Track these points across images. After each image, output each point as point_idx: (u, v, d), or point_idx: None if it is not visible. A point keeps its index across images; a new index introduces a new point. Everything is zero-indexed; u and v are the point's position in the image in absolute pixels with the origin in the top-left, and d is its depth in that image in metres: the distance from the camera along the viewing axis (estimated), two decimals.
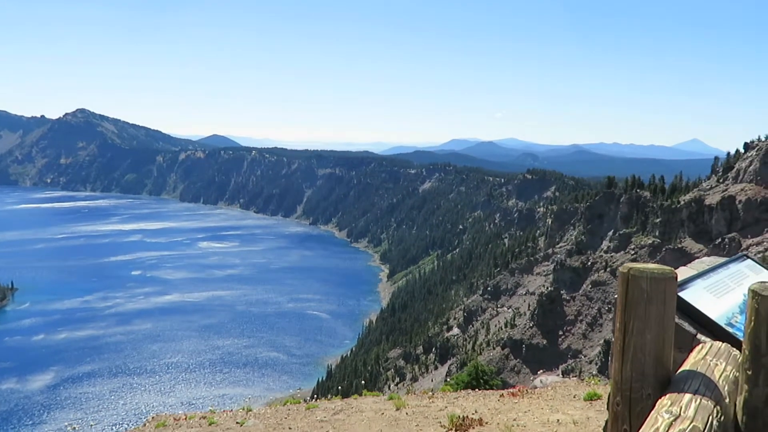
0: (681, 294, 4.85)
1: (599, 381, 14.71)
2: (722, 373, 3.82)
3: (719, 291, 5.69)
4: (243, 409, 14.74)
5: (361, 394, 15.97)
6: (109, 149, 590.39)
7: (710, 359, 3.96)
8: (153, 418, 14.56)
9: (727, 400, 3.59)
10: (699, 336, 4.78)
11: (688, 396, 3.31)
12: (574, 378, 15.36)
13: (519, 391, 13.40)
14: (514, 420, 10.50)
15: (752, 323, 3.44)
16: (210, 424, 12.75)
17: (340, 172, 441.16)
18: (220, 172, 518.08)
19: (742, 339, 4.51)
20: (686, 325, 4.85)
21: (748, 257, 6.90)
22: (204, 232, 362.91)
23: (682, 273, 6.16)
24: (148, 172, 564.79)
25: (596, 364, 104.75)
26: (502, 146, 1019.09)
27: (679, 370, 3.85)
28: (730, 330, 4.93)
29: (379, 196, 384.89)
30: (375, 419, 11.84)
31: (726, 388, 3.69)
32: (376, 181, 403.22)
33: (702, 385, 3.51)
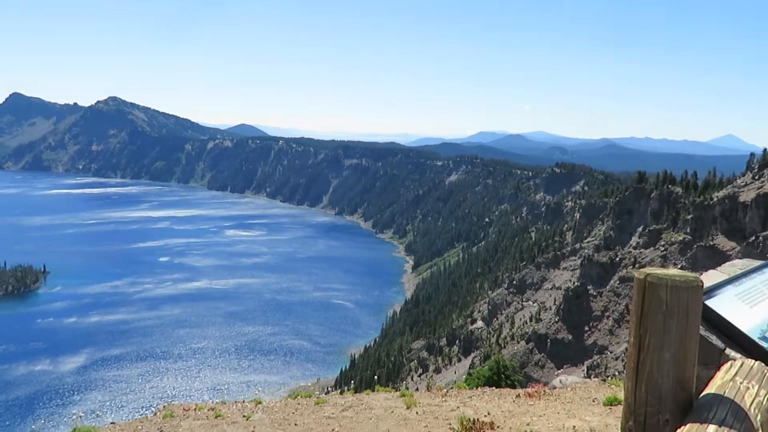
0: (708, 302, 4.27)
1: (621, 383, 14.13)
2: (754, 398, 3.27)
3: (753, 299, 4.96)
4: (253, 401, 14.56)
5: (374, 389, 15.66)
6: (139, 137, 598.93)
7: (740, 381, 3.39)
8: (164, 407, 14.49)
9: None
10: (728, 351, 4.13)
11: (712, 428, 2.80)
12: (596, 379, 14.67)
13: (536, 391, 12.91)
14: (528, 425, 10.02)
15: None
16: (216, 417, 12.58)
17: (367, 163, 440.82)
18: (247, 161, 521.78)
19: None
20: (714, 339, 4.21)
21: None
22: (231, 221, 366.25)
23: (711, 277, 5.58)
24: (177, 160, 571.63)
25: (622, 360, 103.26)
26: (531, 139, 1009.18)
27: (703, 392, 3.37)
28: (765, 345, 4.26)
29: (405, 187, 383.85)
30: (383, 418, 11.50)
31: (759, 417, 3.13)
32: (402, 173, 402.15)
33: (730, 413, 2.98)
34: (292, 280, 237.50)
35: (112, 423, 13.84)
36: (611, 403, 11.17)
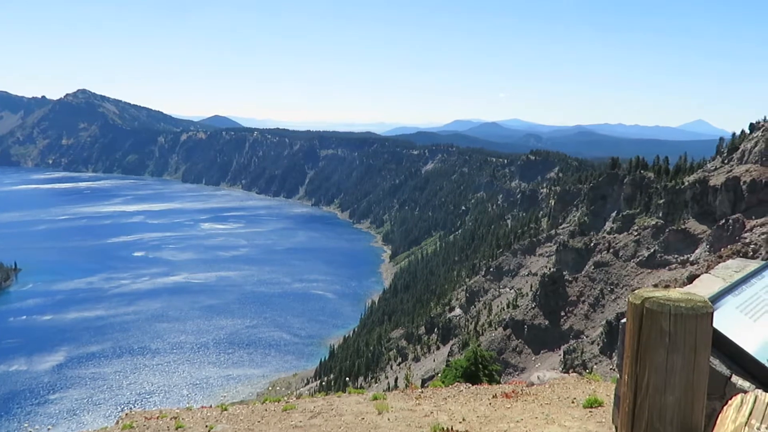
0: None
1: (599, 378, 13.82)
2: None
3: (755, 311, 4.46)
4: (219, 407, 13.96)
5: (345, 390, 15.16)
6: (110, 130, 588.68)
7: (757, 425, 2.58)
8: (126, 415, 13.84)
9: None
10: (734, 379, 3.59)
11: None
12: (574, 374, 14.26)
13: (513, 391, 12.52)
14: None
15: None
16: (177, 428, 11.97)
17: (343, 153, 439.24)
18: (222, 153, 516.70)
19: None
20: (717, 364, 3.64)
21: None
22: (207, 213, 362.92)
23: (706, 283, 5.12)
24: (150, 153, 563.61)
25: (598, 345, 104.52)
26: (506, 127, 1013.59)
27: None
28: None
29: (382, 177, 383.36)
30: (353, 426, 10.97)
31: None
32: (379, 162, 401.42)
33: None
34: (270, 272, 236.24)
35: None
36: (591, 405, 10.79)
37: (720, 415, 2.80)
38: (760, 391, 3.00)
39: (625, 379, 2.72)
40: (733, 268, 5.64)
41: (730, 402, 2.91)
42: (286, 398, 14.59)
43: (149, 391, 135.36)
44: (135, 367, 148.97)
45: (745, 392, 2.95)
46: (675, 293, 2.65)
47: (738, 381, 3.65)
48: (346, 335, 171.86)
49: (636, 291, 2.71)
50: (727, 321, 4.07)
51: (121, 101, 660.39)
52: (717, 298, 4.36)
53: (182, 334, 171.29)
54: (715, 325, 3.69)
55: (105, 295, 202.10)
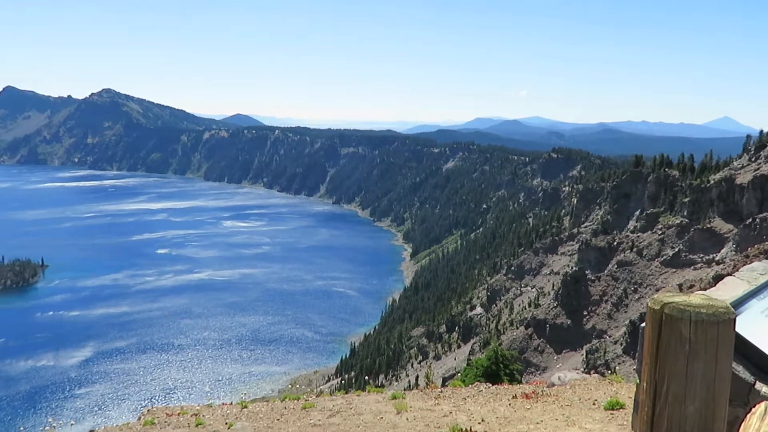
0: None
1: (622, 379, 13.62)
2: None
3: None
4: (239, 404, 14.06)
5: (365, 389, 15.18)
6: (134, 129, 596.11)
7: None
8: (148, 411, 14.01)
9: None
10: (758, 386, 3.52)
11: None
12: (596, 375, 14.06)
13: (534, 392, 12.40)
14: None
15: None
16: (197, 425, 12.08)
17: (363, 151, 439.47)
18: (243, 152, 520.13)
19: None
20: (741, 370, 3.56)
21: None
22: (230, 211, 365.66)
23: (730, 286, 5.00)
24: (173, 152, 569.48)
25: (621, 344, 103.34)
26: (527, 125, 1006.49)
27: None
28: None
29: (402, 175, 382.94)
30: (372, 425, 10.96)
31: None
32: (399, 160, 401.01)
33: None
34: (293, 270, 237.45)
35: (90, 431, 13.34)
36: (612, 407, 10.62)
37: (743, 423, 2.69)
38: None
39: (644, 386, 2.62)
40: (758, 270, 5.50)
41: (753, 410, 2.79)
42: (305, 396, 14.66)
43: (172, 387, 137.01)
44: (159, 363, 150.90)
45: None
46: (696, 298, 2.55)
47: (762, 388, 3.57)
48: (367, 333, 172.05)
49: (656, 296, 2.61)
50: (752, 326, 3.95)
51: (144, 100, 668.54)
52: (741, 301, 4.24)
53: (205, 330, 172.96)
54: (739, 330, 3.62)
55: (130, 291, 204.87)
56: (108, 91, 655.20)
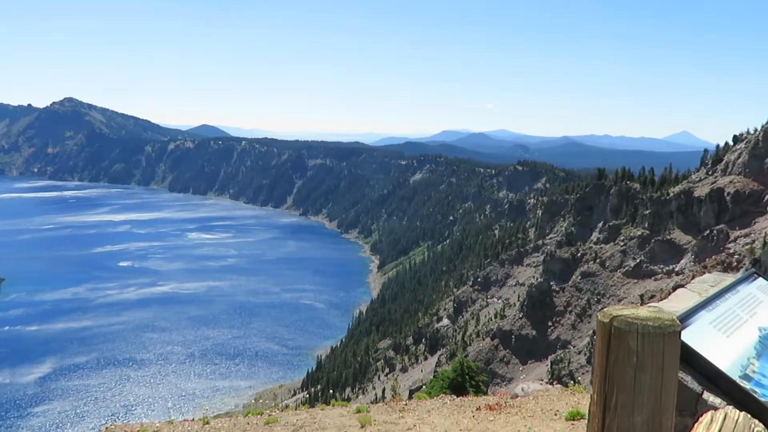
0: (682, 335, 3.60)
1: (584, 389, 13.91)
2: None
3: (729, 326, 4.53)
4: (201, 420, 13.95)
5: (329, 403, 15.19)
6: (97, 139, 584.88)
7: None
8: (107, 429, 13.78)
9: None
10: (705, 395, 3.62)
11: None
12: (558, 386, 14.30)
13: (497, 403, 12.60)
14: None
15: None
16: None
17: (331, 163, 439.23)
18: (209, 163, 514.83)
19: (763, 400, 3.61)
20: (689, 380, 3.68)
21: (759, 275, 5.72)
22: (195, 223, 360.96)
23: (682, 297, 5.24)
24: (137, 162, 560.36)
25: (584, 354, 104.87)
26: (493, 138, 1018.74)
27: None
28: (747, 385, 3.73)
29: (370, 187, 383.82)
30: None
31: None
32: (367, 172, 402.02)
33: None
34: (260, 282, 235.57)
35: None
36: (573, 417, 10.85)
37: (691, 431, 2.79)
38: (730, 408, 2.95)
39: (594, 398, 2.68)
40: (709, 282, 5.72)
41: (700, 419, 2.87)
42: (269, 411, 14.60)
43: (133, 404, 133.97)
44: (120, 378, 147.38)
45: (716, 409, 2.93)
46: (644, 311, 2.60)
47: (709, 398, 3.61)
48: (334, 346, 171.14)
49: (606, 309, 2.68)
50: (701, 337, 4.08)
51: (108, 110, 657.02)
52: (691, 313, 4.39)
53: (169, 344, 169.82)
54: (688, 341, 3.84)
55: (91, 305, 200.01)
56: (70, 100, 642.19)
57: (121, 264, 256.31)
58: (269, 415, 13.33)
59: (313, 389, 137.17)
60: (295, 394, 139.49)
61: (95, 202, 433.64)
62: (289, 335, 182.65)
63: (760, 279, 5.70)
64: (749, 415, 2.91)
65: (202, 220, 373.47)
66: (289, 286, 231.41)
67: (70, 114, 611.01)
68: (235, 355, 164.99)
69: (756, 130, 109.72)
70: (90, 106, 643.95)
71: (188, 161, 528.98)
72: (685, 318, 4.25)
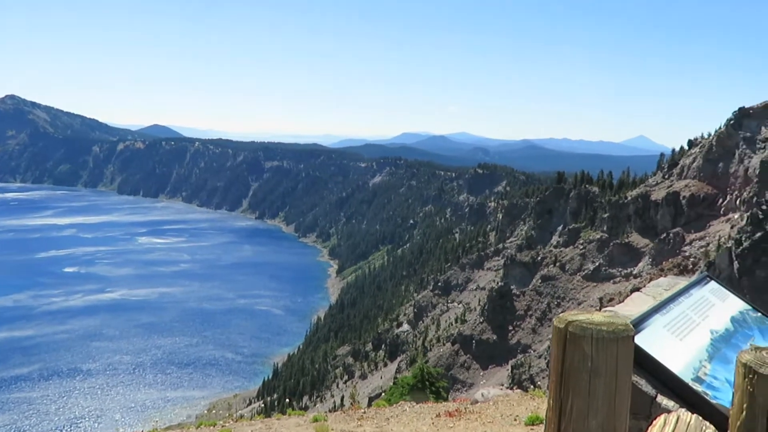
0: (636, 339, 3.65)
1: (543, 394, 14.01)
2: None
3: (682, 329, 4.67)
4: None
5: (285, 412, 14.89)
6: (41, 138, 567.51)
7: None
8: None
9: None
10: (659, 398, 3.74)
11: None
12: (518, 390, 14.40)
13: (457, 409, 12.55)
14: None
15: (744, 412, 2.31)
16: None
17: (288, 165, 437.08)
18: (161, 164, 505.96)
19: (714, 402, 3.77)
20: (643, 384, 3.78)
21: (711, 278, 5.85)
22: (146, 227, 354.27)
23: (637, 301, 5.28)
24: (84, 163, 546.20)
25: (545, 358, 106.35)
26: (454, 140, 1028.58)
27: None
28: (699, 388, 3.87)
29: (328, 189, 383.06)
30: None
31: None
32: (325, 175, 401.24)
33: None
34: (214, 288, 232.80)
35: None
36: (533, 422, 10.92)
37: None
38: (683, 410, 3.03)
39: (550, 403, 2.73)
40: (663, 285, 5.81)
41: (654, 422, 2.96)
42: (223, 422, 14.22)
43: (79, 417, 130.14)
44: (65, 390, 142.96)
45: (670, 412, 3.00)
46: (598, 316, 2.65)
47: (663, 401, 3.70)
48: (291, 353, 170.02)
49: (561, 315, 2.73)
50: (655, 340, 4.17)
51: (53, 108, 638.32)
52: (645, 317, 4.47)
53: (117, 354, 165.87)
54: (642, 344, 3.94)
55: (34, 313, 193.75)
56: (12, 97, 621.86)
57: (67, 270, 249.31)
58: (223, 426, 12.98)
59: (269, 398, 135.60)
60: (250, 404, 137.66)
61: (39, 204, 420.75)
62: (245, 342, 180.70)
63: (713, 282, 5.88)
64: (701, 418, 2.99)
65: (153, 223, 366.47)
66: (245, 292, 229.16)
67: (12, 112, 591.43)
68: (187, 364, 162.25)
69: (710, 135, 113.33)
70: (33, 104, 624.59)
71: (138, 162, 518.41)
72: (640, 322, 4.33)
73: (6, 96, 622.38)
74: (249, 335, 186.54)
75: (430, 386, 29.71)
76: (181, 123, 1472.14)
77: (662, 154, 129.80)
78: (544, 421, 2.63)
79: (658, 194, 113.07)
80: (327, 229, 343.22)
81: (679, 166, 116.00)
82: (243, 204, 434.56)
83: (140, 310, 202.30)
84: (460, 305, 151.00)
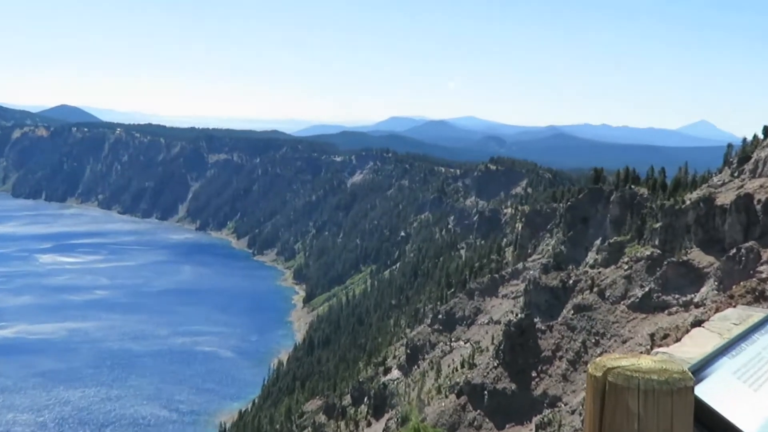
0: (698, 390, 3.59)
1: None
2: None
3: (756, 376, 4.52)
4: None
5: None
6: None
7: None
8: None
9: None
10: None
11: None
12: None
13: None
14: None
15: None
16: None
17: (239, 159, 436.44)
18: (70, 157, 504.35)
19: None
20: None
21: None
22: (50, 241, 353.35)
23: (697, 339, 5.31)
24: None
25: (580, 414, 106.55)
26: (458, 127, 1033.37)
27: None
28: None
29: (293, 191, 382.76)
30: None
31: None
32: (289, 172, 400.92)
33: None
34: (141, 323, 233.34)
35: None
36: None
37: None
38: None
39: None
40: (732, 319, 5.80)
41: None
42: None
43: None
44: None
45: None
46: (647, 361, 2.55)
47: None
48: (244, 409, 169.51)
49: (598, 359, 2.60)
50: (721, 391, 4.05)
51: None
52: (709, 361, 4.39)
53: (11, 411, 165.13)
54: (704, 396, 3.78)
55: None
56: None
57: None
58: None
59: None
60: None
61: None
62: (182, 395, 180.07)
63: None
64: None
65: (59, 236, 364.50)
66: (183, 328, 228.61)
67: None
68: (104, 425, 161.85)
69: None
70: None
71: (40, 155, 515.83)
72: (702, 368, 4.22)
73: None
74: (188, 385, 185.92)
75: None
76: (97, 103, 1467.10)
77: (730, 145, 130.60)
78: None
79: (725, 197, 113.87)
80: (291, 244, 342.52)
81: (753, 160, 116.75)
82: (179, 211, 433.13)
83: (42, 352, 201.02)
84: (468, 344, 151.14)
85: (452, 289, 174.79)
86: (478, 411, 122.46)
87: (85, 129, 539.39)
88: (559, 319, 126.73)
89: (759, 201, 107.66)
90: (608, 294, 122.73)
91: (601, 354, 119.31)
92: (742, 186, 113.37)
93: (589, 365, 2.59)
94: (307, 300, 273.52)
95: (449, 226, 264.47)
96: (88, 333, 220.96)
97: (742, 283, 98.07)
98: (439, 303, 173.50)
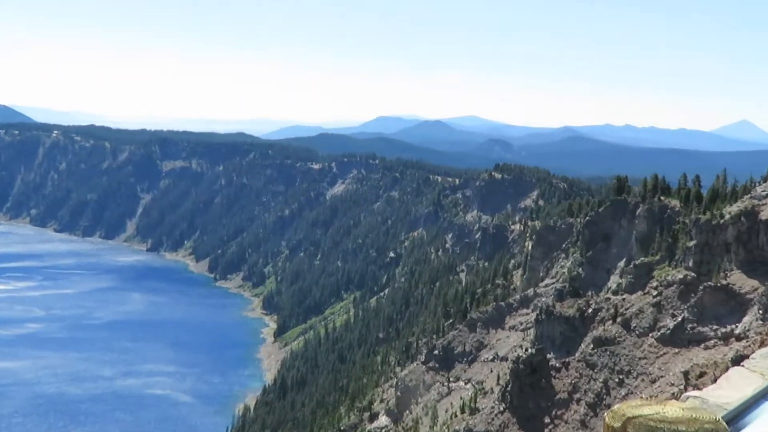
0: None
1: None
2: None
3: None
4: None
5: None
6: None
7: None
8: None
9: None
10: None
11: None
12: None
13: None
14: None
15: None
16: None
17: (198, 166, 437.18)
18: None
19: None
20: None
21: None
22: None
23: (734, 381, 5.18)
24: None
25: None
26: (457, 128, 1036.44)
27: None
28: None
29: (262, 205, 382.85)
30: None
31: None
32: (257, 182, 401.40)
33: None
34: (82, 361, 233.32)
35: None
36: None
37: None
38: None
39: None
40: None
41: None
42: None
43: None
44: None
45: None
46: (673, 409, 2.58)
47: None
48: None
49: (617, 407, 2.65)
50: None
51: None
52: (748, 407, 4.32)
53: None
54: None
55: None
56: None
57: None
58: None
59: None
60: None
61: None
62: None
63: None
64: None
65: None
66: (131, 368, 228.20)
67: None
68: None
69: None
70: None
71: None
72: (739, 416, 4.22)
73: None
74: None
75: None
76: (30, 102, 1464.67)
77: None
78: None
79: None
80: (260, 267, 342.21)
81: None
82: (128, 228, 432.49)
83: None
84: (469, 385, 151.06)
85: (450, 320, 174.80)
86: None
87: (15, 131, 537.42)
88: (577, 354, 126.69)
89: None
90: (634, 325, 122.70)
91: (626, 396, 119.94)
92: None
93: (606, 414, 2.63)
94: (278, 333, 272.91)
95: (447, 246, 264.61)
96: (17, 374, 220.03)
97: None
98: (434, 336, 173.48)
